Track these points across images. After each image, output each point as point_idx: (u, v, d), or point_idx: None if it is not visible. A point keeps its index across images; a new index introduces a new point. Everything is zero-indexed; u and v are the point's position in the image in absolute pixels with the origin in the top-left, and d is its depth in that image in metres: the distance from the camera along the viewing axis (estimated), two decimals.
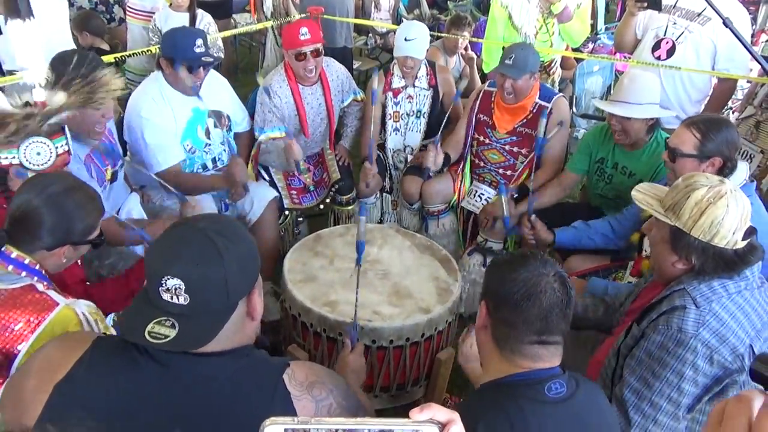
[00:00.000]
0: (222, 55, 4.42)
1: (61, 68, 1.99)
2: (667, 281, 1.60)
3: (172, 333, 1.03)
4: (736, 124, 3.04)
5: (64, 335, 1.29)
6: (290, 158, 2.93)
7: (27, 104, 1.80)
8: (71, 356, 1.08)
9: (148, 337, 1.03)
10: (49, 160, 1.78)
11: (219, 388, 1.07)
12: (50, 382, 1.05)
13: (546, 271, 1.26)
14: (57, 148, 1.80)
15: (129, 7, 4.57)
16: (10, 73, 3.13)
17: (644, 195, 1.64)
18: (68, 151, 1.86)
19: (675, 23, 3.00)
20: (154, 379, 1.06)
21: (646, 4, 2.93)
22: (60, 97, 1.84)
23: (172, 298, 1.05)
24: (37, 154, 1.75)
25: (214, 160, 2.89)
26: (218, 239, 1.07)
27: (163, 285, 1.04)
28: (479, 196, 3.16)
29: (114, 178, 2.49)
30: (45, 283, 1.53)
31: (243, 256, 1.10)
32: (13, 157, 1.73)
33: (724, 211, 1.44)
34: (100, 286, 1.98)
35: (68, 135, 1.87)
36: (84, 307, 1.49)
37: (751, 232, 1.48)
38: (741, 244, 1.47)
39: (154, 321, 1.05)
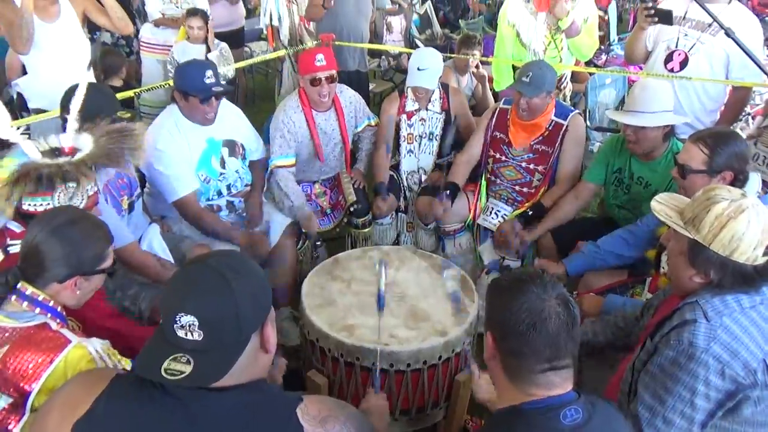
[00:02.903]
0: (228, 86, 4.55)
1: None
2: (684, 294, 1.58)
3: (188, 369, 1.06)
4: (757, 132, 3.00)
5: (87, 372, 1.33)
6: (308, 226, 3.01)
7: (56, 151, 1.85)
8: (92, 393, 1.11)
9: (164, 374, 1.06)
10: (81, 203, 1.83)
11: (233, 423, 1.09)
12: (71, 419, 1.09)
13: (547, 295, 1.23)
14: (87, 190, 1.85)
15: (143, 41, 4.73)
16: (37, 111, 3.25)
17: (663, 206, 1.61)
18: (97, 191, 1.91)
19: (686, 35, 2.98)
20: (171, 415, 1.08)
21: (657, 19, 2.93)
22: (87, 141, 1.90)
23: (186, 334, 1.07)
24: (70, 199, 1.80)
25: (228, 187, 2.95)
26: (229, 274, 1.10)
27: (178, 322, 1.07)
28: (495, 213, 3.16)
29: (131, 208, 2.55)
30: (59, 320, 1.56)
31: (254, 290, 1.13)
32: (48, 204, 1.77)
33: (746, 226, 1.42)
34: (144, 329, 2.00)
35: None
36: (98, 344, 1.51)
37: None
38: (762, 260, 1.44)
39: (170, 358, 1.07)
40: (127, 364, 1.57)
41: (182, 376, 1.06)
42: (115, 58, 4.45)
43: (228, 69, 4.30)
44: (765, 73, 2.56)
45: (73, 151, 1.86)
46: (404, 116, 3.31)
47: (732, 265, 1.45)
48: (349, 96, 3.27)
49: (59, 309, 1.59)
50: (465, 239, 3.27)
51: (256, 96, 6.48)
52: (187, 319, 1.06)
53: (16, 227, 1.78)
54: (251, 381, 1.14)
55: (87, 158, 1.84)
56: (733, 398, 1.43)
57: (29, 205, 1.75)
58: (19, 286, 1.54)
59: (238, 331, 1.10)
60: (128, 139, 1.93)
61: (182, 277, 1.14)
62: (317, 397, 1.22)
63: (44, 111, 3.16)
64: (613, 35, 6.37)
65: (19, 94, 3.54)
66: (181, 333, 1.08)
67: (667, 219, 1.56)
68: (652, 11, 2.92)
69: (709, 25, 2.89)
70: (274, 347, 1.19)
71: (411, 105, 3.30)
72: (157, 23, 4.67)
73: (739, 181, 1.99)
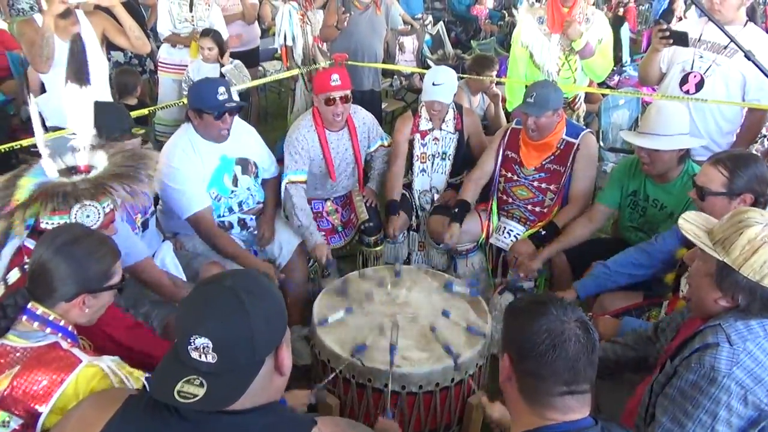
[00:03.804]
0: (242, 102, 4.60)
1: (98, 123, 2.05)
2: (706, 317, 1.55)
3: (201, 392, 1.05)
4: None
5: (99, 393, 1.31)
6: (317, 256, 2.97)
7: (72, 169, 1.86)
8: (105, 415, 1.10)
9: (177, 396, 1.04)
10: (97, 221, 1.83)
11: None
12: None
13: (567, 318, 1.22)
14: (104, 208, 1.85)
15: (160, 62, 4.79)
16: (54, 129, 3.28)
17: (692, 225, 1.58)
18: (114, 209, 1.91)
19: (701, 56, 2.97)
20: None
21: (672, 41, 2.93)
22: (101, 158, 1.91)
23: (200, 356, 1.06)
24: (86, 216, 1.80)
25: (240, 204, 2.96)
26: (245, 297, 1.08)
27: (192, 344, 1.06)
28: (508, 232, 3.14)
29: (145, 226, 2.56)
30: (70, 340, 1.55)
31: (270, 313, 1.12)
32: (65, 222, 1.77)
33: None
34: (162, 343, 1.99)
35: None
36: (109, 361, 1.50)
37: None
38: None
39: (183, 380, 1.06)
40: (140, 376, 1.55)
41: (195, 399, 1.04)
42: (130, 78, 4.47)
43: (243, 86, 4.33)
44: None
45: (89, 168, 1.87)
46: (418, 135, 3.32)
47: (761, 291, 1.41)
48: (362, 116, 3.29)
49: (70, 328, 1.58)
50: (477, 259, 3.25)
51: (269, 114, 6.54)
52: (201, 341, 1.05)
53: (33, 245, 1.78)
54: (265, 403, 1.13)
55: (102, 176, 1.84)
56: (756, 426, 1.40)
57: (47, 223, 1.76)
58: (29, 306, 1.53)
59: (252, 354, 1.09)
60: (143, 160, 1.94)
61: (198, 297, 1.12)
62: (331, 419, 1.21)
63: (61, 129, 3.20)
64: (626, 56, 6.38)
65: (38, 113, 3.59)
66: (195, 355, 1.06)
67: (696, 239, 1.53)
68: (667, 33, 2.92)
69: (725, 47, 2.88)
70: (288, 369, 1.17)
71: (425, 124, 3.31)
72: (167, 41, 4.70)
73: (759, 203, 1.97)
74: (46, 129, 3.44)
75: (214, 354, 1.05)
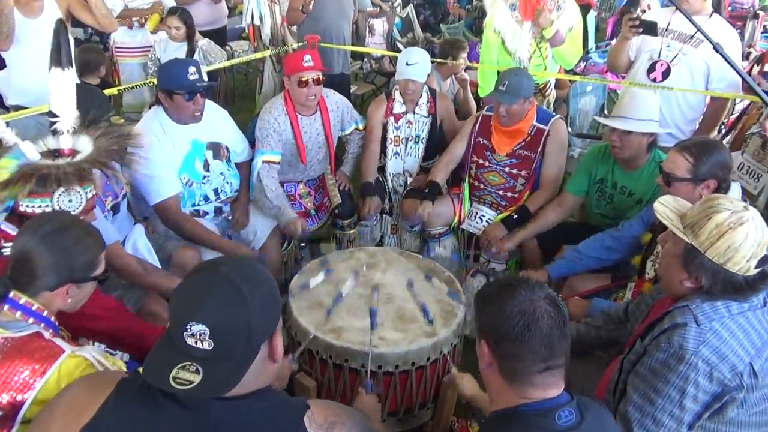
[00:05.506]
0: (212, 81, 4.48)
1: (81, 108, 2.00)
2: (673, 296, 1.62)
3: (197, 379, 1.04)
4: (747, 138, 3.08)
5: (90, 376, 1.29)
6: (292, 230, 2.95)
7: (55, 152, 1.82)
8: (97, 398, 1.09)
9: (172, 382, 1.04)
10: (80, 205, 1.81)
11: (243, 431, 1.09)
12: (76, 425, 1.07)
13: (536, 296, 1.27)
14: (86, 193, 1.82)
15: (118, 46, 4.54)
16: (15, 108, 3.17)
17: (665, 208, 1.64)
18: (96, 194, 1.89)
19: (669, 46, 3.06)
20: (179, 423, 1.07)
21: (641, 30, 3.00)
22: (85, 142, 1.87)
23: (196, 343, 1.05)
24: (69, 201, 1.78)
25: (216, 191, 2.92)
26: (242, 284, 1.07)
27: (188, 330, 1.05)
28: (480, 217, 3.20)
29: (116, 209, 2.52)
30: (51, 330, 1.52)
31: (266, 301, 1.11)
32: (47, 206, 1.75)
33: (743, 238, 1.45)
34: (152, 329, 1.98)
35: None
36: (93, 351, 1.48)
37: (765, 260, 1.48)
38: (753, 272, 1.48)
39: (179, 366, 1.05)
40: (123, 366, 1.53)
41: (191, 386, 1.04)
42: (93, 55, 4.27)
43: (212, 66, 4.25)
44: (750, 85, 2.65)
45: (73, 152, 1.83)
46: (391, 118, 3.33)
47: (723, 274, 1.48)
48: (336, 100, 3.26)
49: (52, 318, 1.55)
50: (449, 243, 3.30)
51: (237, 96, 6.43)
52: (197, 328, 1.04)
53: (11, 229, 1.74)
54: (259, 388, 1.13)
55: (86, 160, 1.81)
56: (720, 400, 1.48)
57: (27, 206, 1.72)
58: (11, 295, 1.49)
59: (248, 341, 1.08)
60: (126, 141, 1.90)
61: (194, 284, 1.10)
62: (323, 403, 1.22)
63: (23, 108, 3.09)
64: (591, 43, 6.49)
65: None
66: (190, 341, 1.05)
67: (668, 221, 1.60)
68: (637, 22, 2.99)
69: (691, 37, 2.98)
70: (281, 356, 1.17)
71: (398, 107, 3.32)
72: (121, 19, 4.49)
73: (722, 189, 2.05)
74: (6, 108, 3.32)
75: (210, 341, 1.05)
